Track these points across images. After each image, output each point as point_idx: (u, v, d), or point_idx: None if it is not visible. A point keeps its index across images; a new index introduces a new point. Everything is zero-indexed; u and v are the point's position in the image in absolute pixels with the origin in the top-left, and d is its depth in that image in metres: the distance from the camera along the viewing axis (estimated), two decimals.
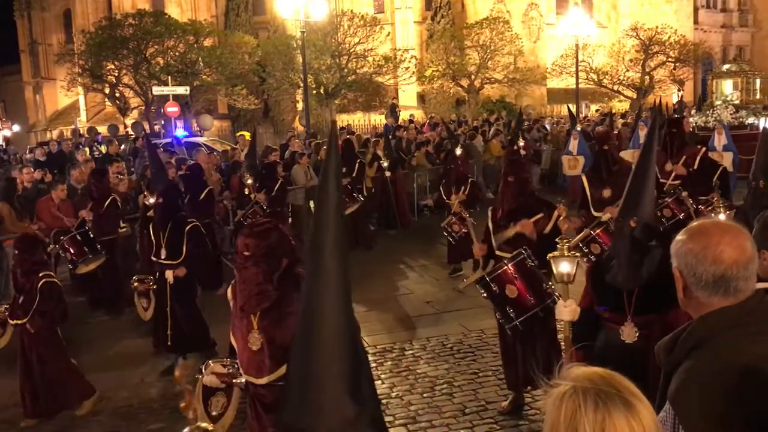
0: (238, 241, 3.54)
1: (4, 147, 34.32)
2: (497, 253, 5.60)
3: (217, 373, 3.65)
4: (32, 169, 12.37)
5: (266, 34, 33.14)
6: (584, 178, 7.62)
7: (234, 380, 3.65)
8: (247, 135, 22.27)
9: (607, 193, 7.10)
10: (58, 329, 6.31)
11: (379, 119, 32.05)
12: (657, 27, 34.91)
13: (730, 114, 16.92)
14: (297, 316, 3.12)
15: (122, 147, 18.16)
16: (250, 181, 10.92)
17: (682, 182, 7.77)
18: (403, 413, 5.83)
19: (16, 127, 48.61)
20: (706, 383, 1.98)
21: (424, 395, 6.16)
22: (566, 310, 3.88)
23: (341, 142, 13.74)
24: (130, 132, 26.84)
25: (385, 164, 13.40)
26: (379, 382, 6.51)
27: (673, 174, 7.97)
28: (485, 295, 5.26)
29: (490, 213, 5.82)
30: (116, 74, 29.93)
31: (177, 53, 28.88)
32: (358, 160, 12.70)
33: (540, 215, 5.51)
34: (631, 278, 3.68)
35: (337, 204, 2.37)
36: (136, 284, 7.29)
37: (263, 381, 3.56)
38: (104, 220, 9.01)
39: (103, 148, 19.24)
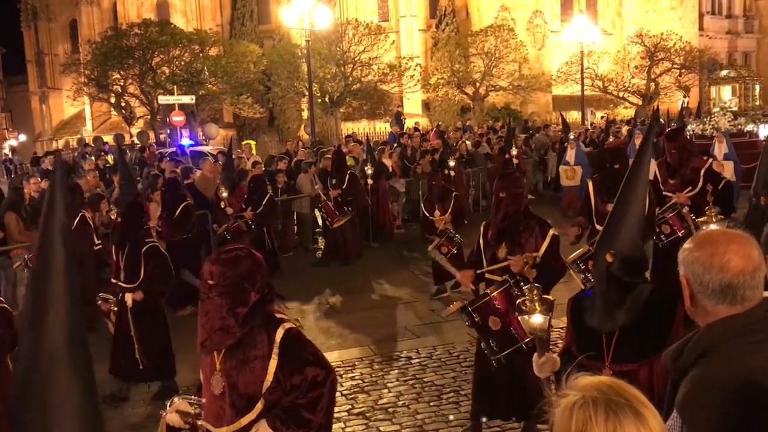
0: (203, 267, 3.12)
1: (10, 157, 34.49)
2: (487, 276, 5.22)
3: (180, 412, 3.19)
4: (39, 179, 12.41)
5: (271, 43, 33.28)
6: (590, 185, 7.13)
7: (198, 422, 3.20)
8: (253, 144, 22.34)
9: (611, 207, 6.91)
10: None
11: (384, 127, 32.11)
12: (662, 33, 34.94)
13: (728, 121, 16.40)
14: (260, 361, 3.01)
15: (129, 156, 18.23)
16: (225, 194, 10.50)
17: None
18: (410, 422, 5.81)
19: (22, 137, 48.93)
20: (713, 391, 1.99)
21: (431, 404, 6.15)
22: (543, 365, 3.16)
23: (333, 152, 13.57)
24: (136, 141, 26.96)
25: (369, 172, 12.94)
26: (386, 390, 6.51)
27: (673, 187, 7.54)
28: (468, 323, 4.95)
29: (482, 229, 5.41)
30: (122, 84, 30.10)
31: (182, 62, 29.04)
32: (348, 171, 12.14)
33: (532, 254, 5.02)
34: (608, 320, 3.26)
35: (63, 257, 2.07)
36: (101, 302, 6.77)
37: None
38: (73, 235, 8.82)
39: (110, 158, 19.33)
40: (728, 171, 10.95)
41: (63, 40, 44.80)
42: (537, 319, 3.14)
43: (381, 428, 5.76)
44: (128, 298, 6.54)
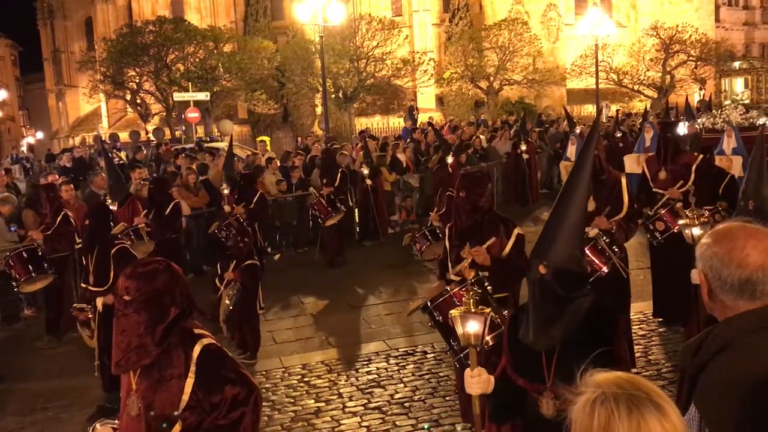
0: (118, 282, 2.94)
1: (28, 156, 34.82)
2: (451, 277, 5.08)
3: None
4: (57, 176, 12.53)
5: (285, 39, 33.32)
6: None
7: None
8: (268, 140, 22.41)
9: (590, 205, 6.00)
10: None
11: (397, 122, 32.09)
12: (677, 26, 34.62)
13: (740, 114, 15.76)
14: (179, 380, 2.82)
15: (145, 152, 18.34)
16: (227, 192, 10.39)
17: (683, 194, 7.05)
18: (427, 416, 5.83)
19: (39, 134, 49.39)
20: (732, 385, 1.98)
21: (447, 398, 6.16)
22: (475, 382, 2.93)
23: (322, 152, 13.46)
24: (152, 138, 27.13)
25: (366, 172, 12.67)
26: (402, 385, 6.53)
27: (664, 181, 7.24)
28: (430, 324, 4.86)
29: (446, 231, 5.28)
30: (137, 81, 30.29)
31: (197, 59, 29.16)
32: (340, 170, 11.96)
33: (492, 239, 4.94)
34: (542, 336, 2.96)
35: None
36: (76, 313, 6.53)
37: None
38: (55, 237, 8.46)
39: (123, 155, 19.47)
40: (737, 166, 10.54)
41: (79, 37, 45.15)
42: (471, 327, 2.89)
43: (397, 422, 5.79)
44: (98, 302, 6.33)
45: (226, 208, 10.07)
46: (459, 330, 3.00)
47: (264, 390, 6.69)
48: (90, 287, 6.48)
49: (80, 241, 8.29)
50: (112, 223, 7.03)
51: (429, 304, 4.81)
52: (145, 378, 2.89)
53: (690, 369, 2.18)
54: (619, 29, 37.04)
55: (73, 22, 45.48)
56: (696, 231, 4.69)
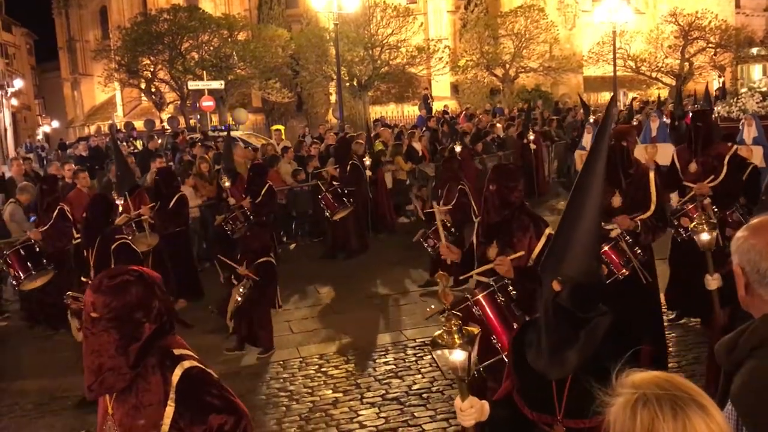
0: (85, 296, 2.66)
1: (42, 144, 35.02)
2: (476, 277, 4.84)
3: None
4: (73, 165, 12.57)
5: (299, 27, 33.24)
6: None
7: None
8: (282, 128, 22.38)
9: (617, 201, 5.70)
10: None
11: (412, 110, 31.96)
12: (697, 12, 34.15)
13: (757, 102, 14.82)
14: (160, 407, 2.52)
15: (159, 141, 18.39)
16: (227, 184, 10.18)
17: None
18: (445, 407, 5.79)
19: (55, 123, 49.70)
20: None
21: None
22: (467, 414, 2.58)
23: (336, 141, 13.09)
24: (166, 126, 27.22)
25: (368, 163, 12.26)
26: (420, 376, 6.49)
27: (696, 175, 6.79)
28: None
29: (476, 226, 5.02)
30: (152, 69, 30.37)
31: (211, 48, 29.17)
32: (351, 161, 11.52)
33: (521, 252, 4.63)
34: (556, 364, 2.60)
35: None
36: (69, 301, 6.14)
37: None
38: (52, 234, 8.30)
39: (139, 144, 19.53)
40: (757, 156, 10.11)
41: (93, 26, 45.27)
42: (456, 356, 2.56)
43: (416, 414, 5.75)
44: None
45: (231, 200, 9.91)
46: (442, 364, 2.71)
47: (282, 380, 6.69)
48: (90, 281, 6.29)
49: (78, 235, 8.04)
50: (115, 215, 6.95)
51: (449, 309, 4.64)
52: (122, 403, 2.60)
53: (725, 366, 2.13)
54: (637, 16, 36.62)
55: (88, 11, 45.61)
56: (704, 237, 4.31)
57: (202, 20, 29.29)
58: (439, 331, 2.62)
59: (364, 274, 10.38)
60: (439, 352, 2.60)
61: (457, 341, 2.56)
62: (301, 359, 7.18)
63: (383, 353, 7.15)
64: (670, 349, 6.60)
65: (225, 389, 2.67)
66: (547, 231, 4.69)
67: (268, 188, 10.15)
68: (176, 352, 2.63)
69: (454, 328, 2.59)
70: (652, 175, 5.72)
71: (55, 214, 8.37)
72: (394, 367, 6.77)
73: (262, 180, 10.20)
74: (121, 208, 8.56)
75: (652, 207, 5.59)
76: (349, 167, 11.40)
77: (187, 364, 2.61)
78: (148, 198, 9.02)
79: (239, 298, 7.12)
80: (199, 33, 28.95)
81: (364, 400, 6.09)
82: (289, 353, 7.37)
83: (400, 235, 12.65)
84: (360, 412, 5.87)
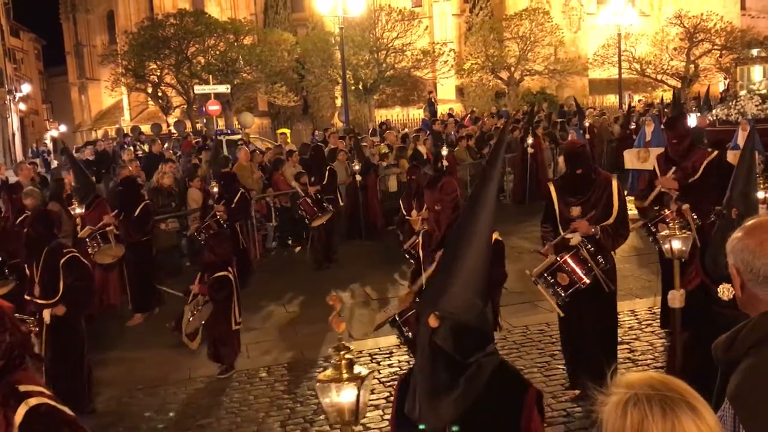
0: None
1: (48, 149, 35.17)
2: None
3: None
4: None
5: (305, 31, 33.33)
6: (552, 187, 5.81)
7: None
8: (288, 132, 22.44)
9: (576, 211, 5.48)
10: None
11: (417, 114, 32.00)
12: (702, 14, 34.09)
13: (756, 105, 14.51)
14: None
15: (165, 146, 18.47)
16: (216, 189, 10.01)
17: (680, 191, 6.43)
18: None
19: (63, 128, 49.94)
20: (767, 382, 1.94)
21: None
22: None
23: (310, 149, 12.96)
24: (173, 130, 27.30)
25: (357, 167, 12.08)
26: None
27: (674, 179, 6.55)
28: (400, 340, 4.58)
29: (420, 239, 4.99)
30: (158, 74, 30.52)
31: (217, 52, 29.29)
32: (328, 167, 11.43)
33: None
34: (431, 413, 2.22)
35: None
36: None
37: None
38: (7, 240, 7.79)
39: (146, 147, 19.60)
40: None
41: (101, 31, 45.53)
42: (346, 396, 2.23)
43: None
44: (46, 314, 5.95)
45: (219, 208, 9.74)
46: (325, 402, 2.29)
47: (286, 383, 6.72)
48: (35, 299, 6.05)
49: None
50: (78, 228, 6.74)
51: (397, 318, 4.57)
52: None
53: (722, 365, 2.14)
54: (642, 18, 36.57)
55: (95, 16, 45.86)
56: (676, 244, 4.12)
57: (209, 25, 29.43)
58: (327, 371, 2.29)
59: (367, 275, 10.39)
60: (329, 395, 2.22)
61: (344, 379, 2.22)
62: (305, 361, 7.20)
63: (387, 355, 7.17)
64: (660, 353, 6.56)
65: (79, 427, 2.42)
66: (494, 237, 4.39)
67: (241, 195, 10.08)
68: (22, 388, 2.36)
69: (344, 369, 2.24)
70: (614, 182, 5.56)
71: (18, 221, 8.21)
72: (398, 369, 6.79)
73: (234, 187, 10.09)
74: (79, 219, 8.49)
75: (614, 214, 5.44)
76: (327, 174, 11.20)
77: (33, 401, 2.34)
78: (108, 208, 8.89)
79: (191, 317, 6.87)
80: (206, 37, 29.10)
81: (369, 402, 6.09)
82: (293, 355, 7.40)
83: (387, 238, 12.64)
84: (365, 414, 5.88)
